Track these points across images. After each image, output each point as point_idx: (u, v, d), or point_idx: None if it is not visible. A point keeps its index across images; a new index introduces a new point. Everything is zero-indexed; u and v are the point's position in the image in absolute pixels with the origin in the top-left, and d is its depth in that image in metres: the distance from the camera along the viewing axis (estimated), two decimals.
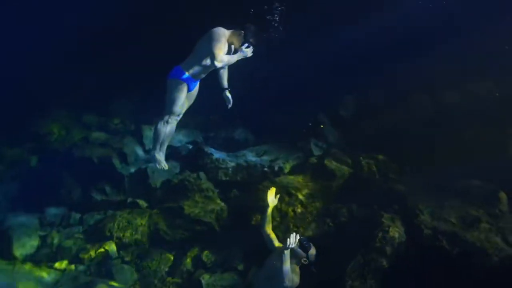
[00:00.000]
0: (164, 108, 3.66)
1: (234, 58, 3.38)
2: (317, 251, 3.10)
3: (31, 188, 6.12)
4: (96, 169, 6.36)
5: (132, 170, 6.48)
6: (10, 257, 4.78)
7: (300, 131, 6.70)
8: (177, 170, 6.38)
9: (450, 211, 3.64)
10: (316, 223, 4.47)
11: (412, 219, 3.73)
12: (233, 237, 4.99)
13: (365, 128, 6.16)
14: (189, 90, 3.60)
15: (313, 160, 5.59)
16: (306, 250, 3.05)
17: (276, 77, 6.97)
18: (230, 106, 3.86)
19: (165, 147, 3.86)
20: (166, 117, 3.63)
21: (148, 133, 7.27)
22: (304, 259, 3.03)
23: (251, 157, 6.26)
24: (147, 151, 7.03)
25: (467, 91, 5.54)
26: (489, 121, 4.84)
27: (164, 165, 3.84)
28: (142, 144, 7.19)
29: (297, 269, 3.05)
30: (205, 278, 4.59)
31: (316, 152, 6.07)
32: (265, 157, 6.19)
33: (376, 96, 6.53)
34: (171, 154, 6.56)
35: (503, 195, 3.73)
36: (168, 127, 3.69)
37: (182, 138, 7.44)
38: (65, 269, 4.72)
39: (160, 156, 3.81)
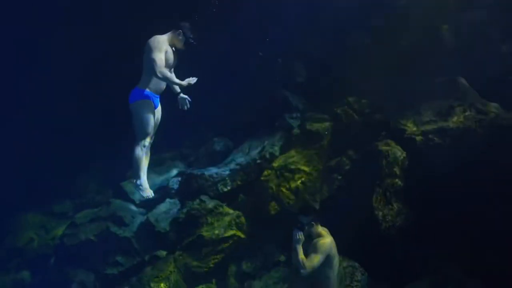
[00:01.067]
0: (137, 133, 3.72)
1: (176, 80, 3.55)
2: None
3: None
4: (99, 246, 6.28)
5: (134, 228, 6.47)
6: None
7: (270, 115, 7.01)
8: (178, 207, 6.45)
9: (427, 112, 4.14)
10: (326, 184, 4.82)
11: (402, 134, 4.18)
12: (261, 235, 5.22)
13: (323, 84, 6.61)
14: (155, 106, 3.73)
15: (296, 131, 5.93)
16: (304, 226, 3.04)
17: (222, 78, 7.27)
18: (187, 107, 3.93)
19: (146, 173, 3.88)
20: (141, 141, 3.69)
21: (130, 188, 7.26)
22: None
23: (240, 158, 6.48)
24: (138, 204, 7.04)
25: None
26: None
27: (150, 192, 3.88)
28: (131, 200, 7.17)
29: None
30: (256, 286, 4.78)
31: (295, 123, 6.42)
32: (252, 152, 6.44)
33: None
34: (164, 195, 6.68)
35: (461, 80, 4.31)
36: (147, 151, 3.79)
37: (166, 176, 7.50)
38: None
39: (146, 183, 3.84)
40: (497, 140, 3.13)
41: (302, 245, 3.01)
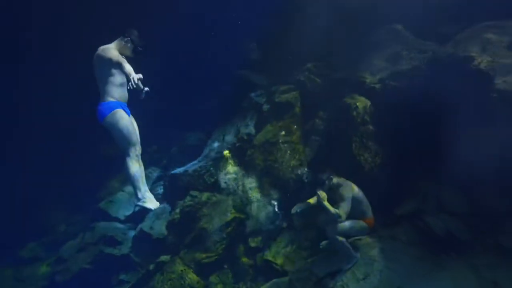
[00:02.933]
0: (123, 147, 3.72)
1: (132, 74, 3.42)
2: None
3: None
4: (97, 272, 6.46)
5: (129, 244, 6.71)
6: None
7: (234, 97, 7.47)
8: (169, 209, 6.78)
9: (380, 62, 4.94)
10: (308, 146, 5.51)
11: (363, 86, 4.96)
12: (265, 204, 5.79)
13: (278, 57, 7.18)
14: (128, 114, 3.75)
15: (266, 107, 6.50)
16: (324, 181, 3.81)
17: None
18: (146, 89, 3.89)
19: (145, 183, 3.89)
20: (132, 152, 3.70)
21: (109, 206, 7.41)
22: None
23: (216, 146, 6.93)
24: (124, 219, 7.25)
25: None
26: None
27: (156, 203, 3.91)
28: (114, 219, 7.33)
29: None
30: (268, 255, 5.39)
31: (261, 100, 6.97)
32: (228, 138, 6.91)
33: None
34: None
35: (399, 27, 5.17)
36: (138, 162, 3.77)
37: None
38: None
39: (149, 194, 3.88)
40: (439, 71, 3.96)
41: (328, 201, 3.69)
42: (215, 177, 6.54)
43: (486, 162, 3.25)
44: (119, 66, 3.47)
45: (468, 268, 3.18)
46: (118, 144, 3.78)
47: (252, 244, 5.71)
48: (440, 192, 3.85)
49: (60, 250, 7.03)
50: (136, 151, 3.74)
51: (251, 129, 6.60)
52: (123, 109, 3.70)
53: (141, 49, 3.75)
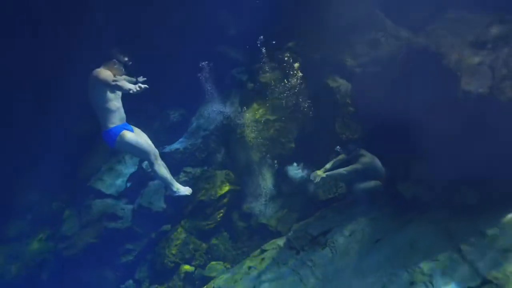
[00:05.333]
0: (144, 158, 4.10)
1: (128, 86, 3.49)
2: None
3: None
4: (103, 245, 6.71)
5: (130, 218, 6.95)
6: None
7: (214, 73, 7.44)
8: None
9: (359, 45, 5.28)
10: (293, 124, 5.94)
11: (343, 69, 5.34)
12: (250, 180, 6.29)
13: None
14: (131, 131, 3.93)
15: (250, 85, 6.67)
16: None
17: None
18: (142, 79, 4.06)
19: (172, 178, 4.20)
20: (152, 159, 3.98)
21: (100, 183, 7.40)
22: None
23: (204, 124, 7.09)
24: (118, 197, 7.36)
25: None
26: None
27: (188, 189, 4.27)
28: (108, 196, 7.38)
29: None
30: (263, 219, 6.03)
31: (244, 77, 7.08)
32: (213, 115, 7.07)
33: None
34: (142, 180, 7.07)
35: (377, 11, 5.44)
36: (162, 163, 4.08)
37: (131, 163, 7.65)
38: None
39: (179, 186, 4.22)
40: (412, 59, 4.42)
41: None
42: (206, 153, 6.82)
43: (446, 139, 3.94)
44: (116, 88, 3.55)
45: (428, 222, 4.02)
46: (139, 157, 3.96)
47: (246, 210, 6.31)
48: (407, 163, 4.59)
49: (60, 229, 7.08)
50: (154, 156, 3.99)
51: (237, 106, 6.82)
52: (126, 129, 3.87)
53: (130, 62, 3.80)
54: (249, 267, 5.04)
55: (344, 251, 4.34)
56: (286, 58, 6.09)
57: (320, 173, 4.52)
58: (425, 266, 3.64)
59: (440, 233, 3.84)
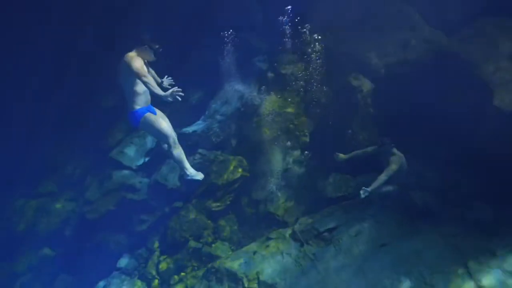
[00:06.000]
0: (163, 140, 4.11)
1: (160, 93, 3.61)
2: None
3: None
4: (121, 213, 6.85)
5: (146, 191, 7.01)
6: None
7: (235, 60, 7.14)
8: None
9: (387, 45, 4.90)
10: (310, 119, 5.70)
11: (368, 67, 5.00)
12: (261, 169, 6.18)
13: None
14: (154, 114, 4.02)
15: (270, 75, 6.40)
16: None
17: None
18: (169, 80, 4.19)
19: (187, 162, 4.30)
20: (171, 142, 4.06)
21: (121, 156, 7.44)
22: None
23: (222, 108, 6.91)
24: (136, 170, 7.42)
25: None
26: None
27: (201, 174, 4.41)
28: (127, 168, 7.45)
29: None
30: (270, 208, 5.95)
31: (264, 66, 6.79)
32: (232, 101, 6.86)
33: None
34: (160, 156, 7.08)
35: (410, 9, 4.96)
36: (179, 147, 4.16)
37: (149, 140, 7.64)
38: None
39: (193, 170, 4.33)
40: (441, 65, 4.07)
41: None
42: (221, 138, 6.71)
43: (463, 153, 3.68)
44: (144, 85, 3.60)
45: (437, 234, 3.85)
46: (158, 138, 4.21)
47: (255, 197, 6.24)
48: (423, 171, 4.35)
49: (84, 194, 7.26)
50: (173, 140, 4.08)
51: (255, 95, 6.59)
52: (150, 111, 3.96)
53: (160, 49, 3.83)
54: (254, 252, 5.03)
55: (348, 250, 4.25)
56: (309, 51, 5.77)
57: (342, 156, 4.41)
58: (428, 276, 3.52)
59: (448, 247, 3.68)
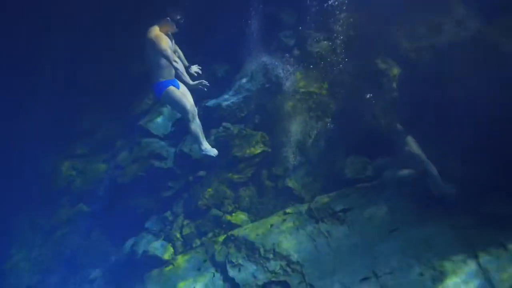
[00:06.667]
0: (182, 114, 4.26)
1: (186, 79, 3.88)
2: None
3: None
4: (149, 179, 7.24)
5: (172, 159, 7.30)
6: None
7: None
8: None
9: (419, 27, 4.56)
10: (333, 99, 5.57)
11: (397, 50, 4.71)
12: (282, 144, 6.24)
13: None
14: (177, 87, 4.12)
15: (296, 53, 6.19)
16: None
17: None
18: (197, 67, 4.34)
19: (204, 137, 4.53)
20: (190, 117, 4.21)
21: (150, 124, 7.68)
22: None
23: (247, 83, 6.84)
24: (164, 138, 7.67)
25: None
26: None
27: (215, 151, 4.55)
28: (155, 136, 7.69)
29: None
30: (289, 183, 6.09)
31: (290, 42, 6.54)
32: (257, 76, 6.75)
33: None
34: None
35: None
36: (197, 122, 4.35)
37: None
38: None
39: (208, 146, 4.49)
40: (479, 56, 3.76)
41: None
42: (245, 113, 6.74)
43: (485, 143, 3.53)
44: (173, 67, 3.76)
45: (449, 226, 3.84)
46: (177, 112, 4.36)
47: (275, 171, 6.38)
48: (444, 161, 4.25)
49: (117, 159, 7.68)
50: (192, 115, 4.20)
51: (280, 71, 6.45)
52: (173, 85, 4.06)
53: (182, 20, 3.87)
54: (271, 225, 5.28)
55: (360, 231, 4.36)
56: (337, 27, 5.46)
57: None
58: (437, 262, 3.59)
59: (459, 237, 3.69)
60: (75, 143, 8.37)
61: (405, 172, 4.34)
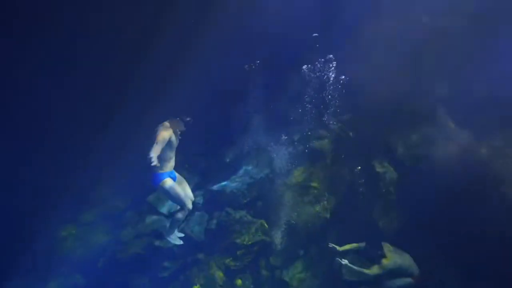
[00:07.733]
0: (176, 203, 4.47)
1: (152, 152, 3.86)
2: None
3: None
4: (147, 257, 6.93)
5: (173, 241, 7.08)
6: None
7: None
8: (207, 217, 7.08)
9: (414, 136, 4.80)
10: (333, 196, 5.60)
11: (393, 155, 4.90)
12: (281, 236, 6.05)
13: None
14: (174, 179, 4.33)
15: (300, 148, 6.51)
16: None
17: None
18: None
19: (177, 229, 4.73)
20: (180, 208, 4.44)
21: (157, 201, 7.69)
22: None
23: (252, 170, 7.07)
24: (169, 217, 7.58)
25: None
26: None
27: (180, 241, 4.79)
28: (161, 214, 7.64)
29: None
30: (285, 275, 5.71)
31: (296, 136, 6.95)
32: (262, 165, 7.01)
33: None
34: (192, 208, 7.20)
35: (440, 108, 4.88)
36: (184, 215, 4.52)
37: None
38: None
39: (177, 236, 4.71)
40: (471, 171, 3.85)
41: None
42: (248, 199, 6.80)
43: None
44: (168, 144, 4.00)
45: None
46: (172, 202, 4.65)
47: (273, 262, 6.05)
48: (442, 272, 3.98)
49: (120, 233, 7.51)
50: (185, 209, 4.41)
51: (284, 164, 6.71)
52: (170, 177, 4.25)
53: (191, 121, 4.35)
54: None
55: None
56: (336, 130, 5.88)
57: (337, 248, 4.31)
58: None
59: None
60: (84, 212, 8.26)
61: (401, 280, 4.06)
